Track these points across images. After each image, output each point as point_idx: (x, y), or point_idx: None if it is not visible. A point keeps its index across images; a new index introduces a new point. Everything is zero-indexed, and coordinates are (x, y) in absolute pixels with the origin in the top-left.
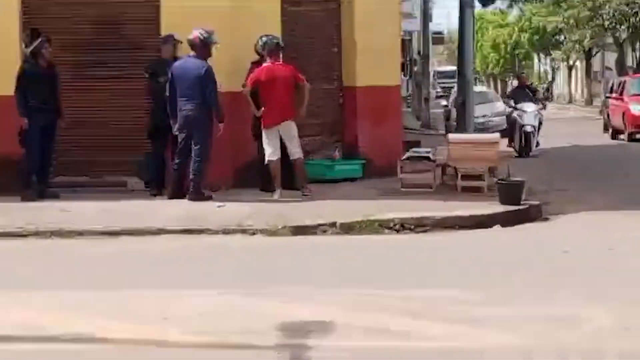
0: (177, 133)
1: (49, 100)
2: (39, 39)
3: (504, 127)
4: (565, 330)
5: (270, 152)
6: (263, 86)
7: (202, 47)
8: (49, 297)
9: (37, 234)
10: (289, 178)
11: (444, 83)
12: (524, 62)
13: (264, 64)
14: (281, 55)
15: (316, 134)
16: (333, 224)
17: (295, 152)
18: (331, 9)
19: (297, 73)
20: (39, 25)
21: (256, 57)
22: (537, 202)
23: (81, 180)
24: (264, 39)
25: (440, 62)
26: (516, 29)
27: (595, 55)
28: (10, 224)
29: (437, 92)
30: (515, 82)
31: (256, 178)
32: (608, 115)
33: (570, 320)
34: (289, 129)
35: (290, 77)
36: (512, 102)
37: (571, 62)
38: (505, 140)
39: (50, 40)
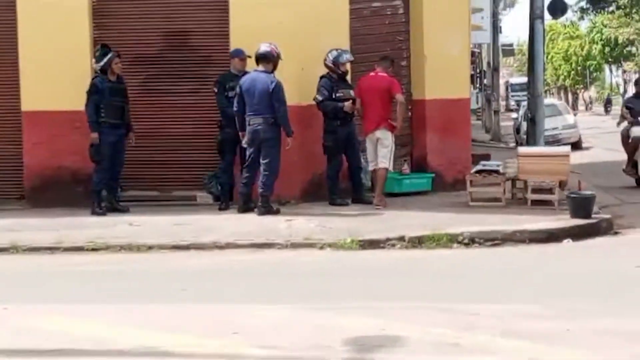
0: (245, 146)
1: (119, 115)
2: (109, 54)
3: (574, 140)
4: (633, 345)
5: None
6: (361, 95)
7: (275, 60)
8: (119, 311)
9: (107, 248)
10: (354, 189)
11: (516, 96)
12: (595, 74)
13: (370, 74)
14: (348, 67)
15: None
16: (402, 238)
17: (380, 161)
18: (399, 22)
19: (394, 85)
20: (109, 41)
21: (325, 71)
22: (608, 216)
23: (150, 195)
24: (335, 52)
25: (511, 74)
26: (587, 40)
27: None
28: (81, 238)
29: (511, 105)
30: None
31: (325, 191)
32: None
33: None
34: (381, 138)
35: (385, 88)
36: (629, 115)
37: None
38: (577, 154)
39: (120, 55)
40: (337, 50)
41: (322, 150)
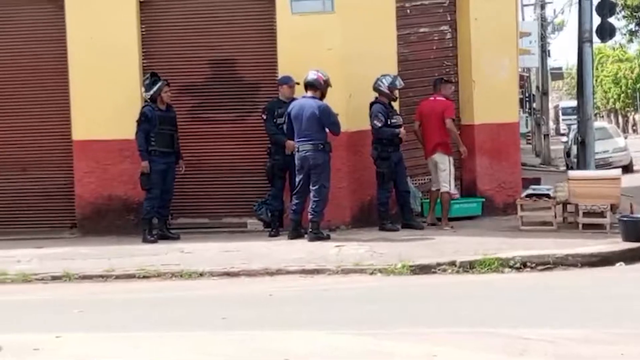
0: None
1: (169, 144)
2: (159, 83)
3: (625, 163)
4: None
5: (454, 184)
6: (422, 119)
7: (322, 88)
8: (168, 338)
9: (158, 275)
10: (403, 215)
11: (567, 119)
12: None
13: (430, 98)
14: (397, 93)
15: None
16: (453, 263)
17: (441, 186)
18: (447, 47)
19: (446, 108)
20: (158, 69)
21: (373, 96)
22: None
23: (201, 222)
24: (389, 78)
25: (561, 98)
26: (637, 63)
27: None
28: (132, 265)
29: (562, 129)
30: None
31: (374, 217)
32: None
33: None
34: (438, 162)
35: (441, 112)
36: None
37: None
38: (628, 177)
39: (169, 84)
40: (390, 75)
41: (375, 177)
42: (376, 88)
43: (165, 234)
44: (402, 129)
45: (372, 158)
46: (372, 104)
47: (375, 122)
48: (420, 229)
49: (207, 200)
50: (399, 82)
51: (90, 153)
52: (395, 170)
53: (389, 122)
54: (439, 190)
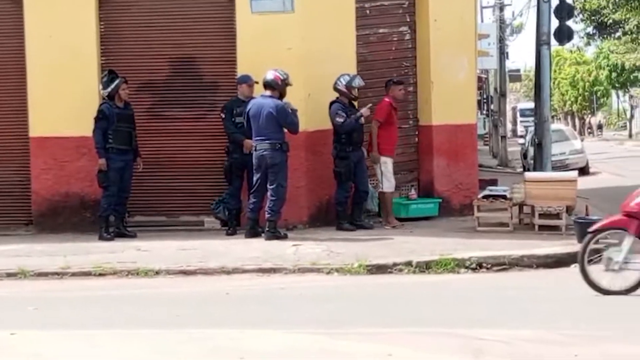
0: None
1: (127, 141)
2: (116, 80)
3: (581, 165)
4: None
5: (393, 184)
6: (390, 118)
7: (281, 88)
8: (126, 337)
9: (114, 273)
10: (352, 213)
11: (526, 121)
12: (602, 100)
13: (385, 99)
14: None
15: (393, 172)
16: (409, 263)
17: (379, 185)
18: (406, 48)
19: (378, 111)
20: (117, 67)
21: (334, 96)
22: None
23: (158, 220)
24: (347, 77)
25: (519, 99)
26: (594, 66)
27: None
28: (88, 263)
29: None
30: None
31: (332, 216)
32: None
33: None
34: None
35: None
36: None
37: None
38: (584, 179)
39: (127, 81)
40: (348, 75)
41: (333, 176)
42: (335, 87)
43: (122, 232)
44: (365, 108)
45: (333, 157)
46: (331, 103)
47: (337, 119)
48: (369, 228)
49: (164, 198)
50: (358, 81)
51: (47, 150)
52: (354, 170)
53: (347, 120)
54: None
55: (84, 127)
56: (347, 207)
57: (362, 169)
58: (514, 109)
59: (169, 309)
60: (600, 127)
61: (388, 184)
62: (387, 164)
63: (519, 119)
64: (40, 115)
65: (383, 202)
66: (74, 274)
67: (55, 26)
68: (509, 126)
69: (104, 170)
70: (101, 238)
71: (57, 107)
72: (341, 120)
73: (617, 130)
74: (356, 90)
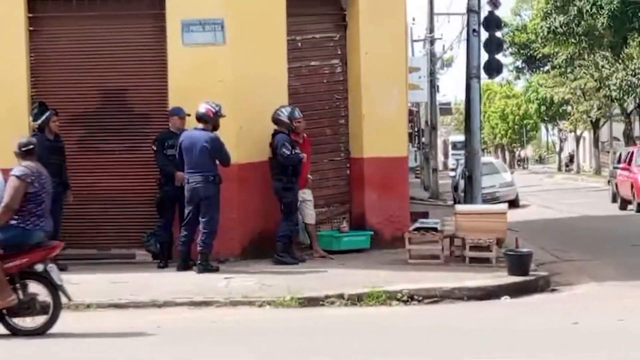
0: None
1: (57, 174)
2: (47, 113)
3: (512, 197)
4: None
5: (314, 215)
6: (307, 151)
7: (213, 120)
8: None
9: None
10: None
11: (457, 154)
12: (531, 133)
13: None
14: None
15: (324, 204)
16: (341, 296)
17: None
18: (338, 81)
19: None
20: (47, 98)
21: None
22: (545, 273)
23: (89, 253)
24: (288, 109)
25: (449, 132)
26: (523, 99)
27: (602, 125)
28: None
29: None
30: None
31: (264, 249)
32: (616, 185)
33: None
34: (306, 195)
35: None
36: None
37: (579, 133)
38: (514, 212)
39: (57, 113)
40: (289, 106)
41: (283, 209)
42: (276, 118)
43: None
44: (303, 154)
45: (275, 190)
46: (274, 134)
47: (284, 150)
48: (302, 261)
49: (95, 231)
50: (298, 113)
51: None
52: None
53: (292, 152)
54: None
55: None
56: (291, 241)
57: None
58: (445, 141)
59: (98, 344)
60: (525, 160)
61: (311, 215)
62: (306, 195)
63: (450, 151)
64: None
65: (309, 233)
66: None
67: None
68: (441, 159)
69: None
70: None
71: None
72: (288, 152)
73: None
74: (296, 122)
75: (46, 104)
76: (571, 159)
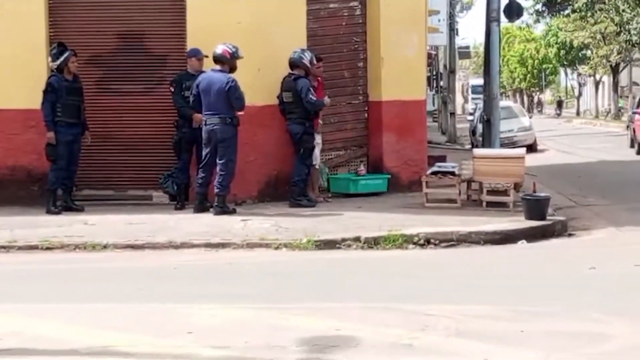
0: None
1: (75, 115)
2: (66, 53)
3: (529, 142)
4: (589, 347)
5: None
6: (320, 94)
7: (230, 62)
8: (73, 311)
9: (62, 247)
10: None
11: (477, 98)
12: (550, 77)
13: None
14: None
15: (342, 148)
16: (357, 239)
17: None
18: (356, 24)
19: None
20: (65, 40)
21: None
22: (562, 218)
23: (106, 194)
24: (309, 53)
25: (468, 76)
26: (543, 43)
27: (622, 70)
28: (35, 237)
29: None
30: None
31: (281, 192)
32: (634, 130)
33: (595, 337)
34: None
35: None
36: None
37: (598, 77)
38: (532, 156)
39: (76, 54)
40: (307, 50)
41: (302, 153)
42: (298, 61)
43: (70, 206)
44: (327, 98)
45: (293, 134)
46: (296, 79)
47: (310, 95)
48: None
49: (112, 172)
50: (240, 53)
51: None
52: None
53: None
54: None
55: (32, 99)
56: (306, 184)
57: None
58: (465, 85)
59: (114, 284)
60: (540, 104)
61: (318, 158)
62: (317, 139)
63: (470, 95)
64: None
65: (312, 176)
66: (20, 248)
67: None
68: (461, 102)
69: (53, 143)
70: (49, 212)
71: (4, 79)
72: (314, 98)
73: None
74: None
75: (65, 45)
76: (559, 104)
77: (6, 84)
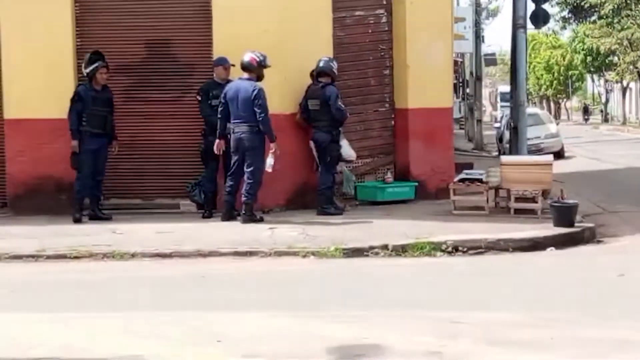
0: (219, 153)
1: (101, 125)
2: (96, 63)
3: (557, 149)
4: (618, 354)
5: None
6: None
7: (257, 70)
8: (99, 319)
9: (90, 256)
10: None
11: (506, 105)
12: (577, 84)
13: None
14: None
15: (369, 155)
16: (385, 246)
17: None
18: (382, 31)
19: None
20: (92, 48)
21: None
22: (590, 225)
23: (134, 203)
24: (335, 62)
25: (494, 83)
26: (569, 50)
27: None
28: (64, 246)
29: (500, 116)
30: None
31: (308, 200)
32: None
33: (623, 344)
34: None
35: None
36: None
37: (625, 84)
38: (560, 163)
39: (107, 66)
40: (329, 58)
41: (330, 162)
42: (327, 69)
43: (97, 215)
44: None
45: (319, 142)
46: (324, 86)
47: (339, 103)
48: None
49: (140, 181)
50: (268, 61)
51: (22, 132)
52: None
53: None
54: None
55: (60, 109)
56: (333, 192)
57: None
58: (493, 92)
59: (144, 292)
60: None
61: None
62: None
63: (499, 103)
64: (15, 97)
65: None
66: (49, 257)
67: (31, 8)
68: (489, 110)
69: (76, 152)
70: (76, 221)
71: (32, 89)
72: (343, 106)
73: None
74: None
75: (100, 54)
76: (585, 110)
77: (35, 94)
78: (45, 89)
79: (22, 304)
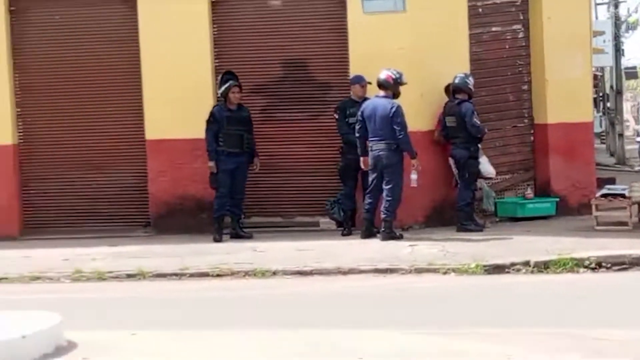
0: (368, 170)
1: (238, 144)
2: (229, 82)
3: None
4: None
5: None
6: None
7: (394, 87)
8: (240, 337)
9: (231, 274)
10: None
11: None
12: None
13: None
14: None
15: (508, 171)
16: (527, 263)
17: None
18: (519, 46)
19: None
20: (230, 69)
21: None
22: None
23: (274, 221)
24: (472, 78)
25: (635, 97)
26: None
27: None
28: (206, 264)
29: None
30: None
31: (447, 216)
32: None
33: None
34: None
35: None
36: None
37: None
38: None
39: (240, 85)
40: (465, 74)
41: (469, 178)
42: (462, 86)
43: (238, 233)
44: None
45: (457, 158)
46: (460, 103)
47: (475, 119)
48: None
49: (280, 199)
50: (404, 79)
51: (163, 152)
52: None
53: None
54: None
55: (198, 129)
56: (472, 208)
57: None
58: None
59: (285, 310)
60: None
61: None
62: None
63: None
64: (156, 118)
65: None
66: (191, 275)
67: (168, 28)
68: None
69: (214, 172)
70: (216, 239)
71: (172, 109)
72: (479, 122)
73: None
74: None
75: (233, 74)
76: None
77: (174, 114)
78: (184, 109)
79: (166, 321)
